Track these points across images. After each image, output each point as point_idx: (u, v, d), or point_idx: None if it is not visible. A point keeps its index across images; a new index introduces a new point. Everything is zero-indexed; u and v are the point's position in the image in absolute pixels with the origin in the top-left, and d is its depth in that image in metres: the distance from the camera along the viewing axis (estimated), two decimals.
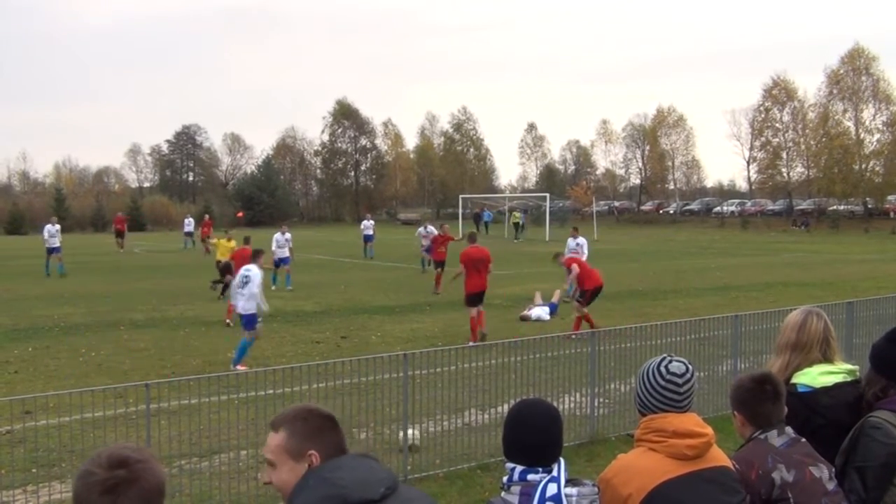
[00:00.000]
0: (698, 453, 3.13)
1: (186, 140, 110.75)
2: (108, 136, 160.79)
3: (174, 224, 65.71)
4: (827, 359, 4.10)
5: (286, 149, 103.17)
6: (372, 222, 40.35)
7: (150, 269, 33.78)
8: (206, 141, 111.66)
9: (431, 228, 29.36)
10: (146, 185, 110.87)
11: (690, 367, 3.25)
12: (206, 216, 47.37)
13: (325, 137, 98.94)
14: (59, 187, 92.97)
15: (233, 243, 23.04)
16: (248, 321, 13.84)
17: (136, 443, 2.43)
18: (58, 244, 30.72)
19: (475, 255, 16.26)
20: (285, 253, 25.97)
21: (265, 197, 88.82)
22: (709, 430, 3.20)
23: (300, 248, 47.15)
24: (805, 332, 4.15)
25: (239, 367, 12.75)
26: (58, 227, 31.20)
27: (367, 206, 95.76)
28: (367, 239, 38.97)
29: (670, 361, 3.25)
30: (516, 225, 57.87)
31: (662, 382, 3.21)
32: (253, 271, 13.99)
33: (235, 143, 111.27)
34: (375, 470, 2.48)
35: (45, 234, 30.95)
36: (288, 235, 26.58)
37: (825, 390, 3.96)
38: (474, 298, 15.97)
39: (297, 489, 2.46)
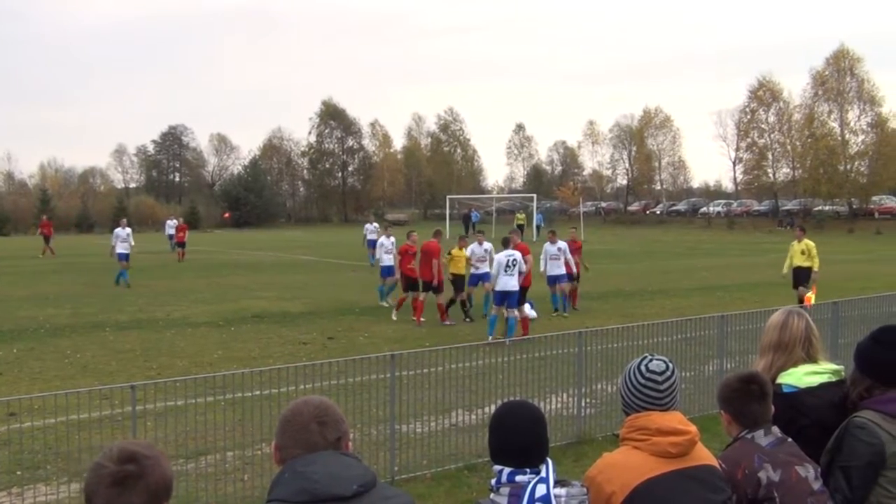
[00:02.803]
0: (682, 451, 3.15)
1: (172, 140, 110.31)
2: (94, 137, 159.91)
3: (160, 225, 65.37)
4: (811, 358, 4.11)
5: (273, 149, 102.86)
6: (375, 225, 35.91)
7: (135, 270, 33.50)
8: (192, 141, 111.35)
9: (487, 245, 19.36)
10: (132, 185, 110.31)
11: (671, 365, 3.28)
12: (180, 219, 44.51)
13: (312, 138, 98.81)
14: (44, 188, 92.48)
15: (465, 252, 19.07)
16: (514, 299, 16.22)
17: None
18: (128, 250, 27.45)
19: (425, 247, 18.81)
20: (390, 260, 21.11)
21: (252, 197, 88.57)
22: (692, 428, 3.21)
23: (286, 248, 47.17)
24: (787, 332, 4.17)
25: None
26: (128, 230, 27.81)
27: (356, 208, 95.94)
28: (371, 244, 33.25)
29: (650, 360, 3.28)
30: (520, 227, 56.48)
31: (643, 381, 3.24)
32: (517, 254, 16.39)
33: (222, 144, 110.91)
34: (351, 467, 2.49)
35: (114, 239, 27.63)
36: (392, 239, 22.18)
37: (810, 390, 3.97)
38: (423, 285, 18.75)
39: (275, 482, 2.50)
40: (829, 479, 3.64)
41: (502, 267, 16.16)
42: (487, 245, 19.26)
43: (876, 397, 3.77)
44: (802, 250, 18.99)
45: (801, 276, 18.83)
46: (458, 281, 19.20)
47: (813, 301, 16.76)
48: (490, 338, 15.14)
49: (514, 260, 16.16)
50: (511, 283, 16.08)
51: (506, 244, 16.94)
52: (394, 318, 18.91)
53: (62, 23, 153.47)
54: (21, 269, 33.66)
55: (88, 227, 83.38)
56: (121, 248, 27.13)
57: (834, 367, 4.10)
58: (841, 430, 3.74)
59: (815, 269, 18.78)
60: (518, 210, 62.34)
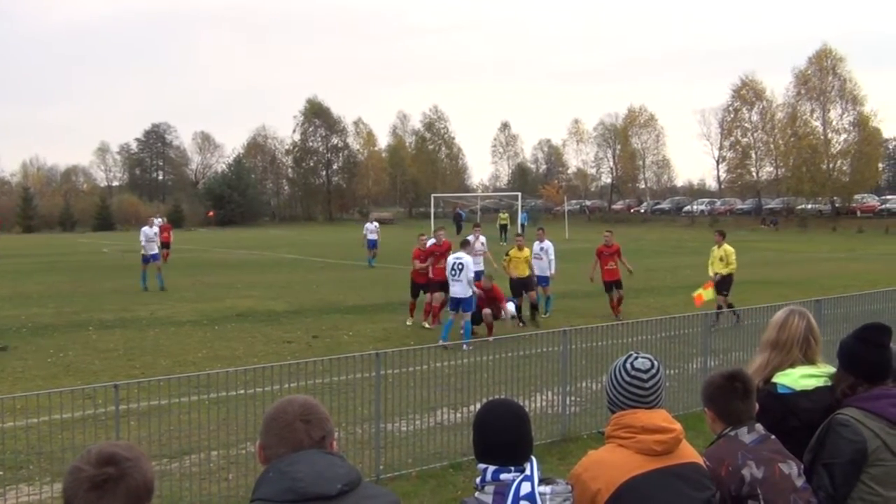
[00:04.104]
0: (667, 449, 3.16)
1: (156, 139, 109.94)
2: (77, 135, 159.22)
3: (143, 223, 65.13)
4: (808, 359, 4.11)
5: (257, 148, 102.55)
6: (376, 224, 34.54)
7: (119, 268, 33.41)
8: (175, 140, 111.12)
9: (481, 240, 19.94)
10: (115, 184, 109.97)
11: (656, 362, 3.29)
12: (164, 218, 42.38)
13: (297, 136, 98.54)
14: (26, 186, 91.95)
15: (527, 252, 18.53)
16: (468, 304, 15.41)
17: None
18: (157, 250, 25.85)
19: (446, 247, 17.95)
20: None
21: (236, 196, 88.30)
22: (677, 426, 3.23)
23: (270, 247, 47.06)
24: (785, 331, 4.15)
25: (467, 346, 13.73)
26: (156, 230, 26.52)
27: (340, 206, 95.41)
28: (371, 245, 33.01)
29: (636, 358, 3.29)
30: (503, 227, 54.44)
31: (628, 378, 3.25)
32: (465, 258, 15.50)
33: (206, 142, 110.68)
34: (335, 466, 2.49)
35: (143, 238, 25.53)
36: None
37: (805, 394, 3.96)
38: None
39: (259, 482, 2.49)
40: (813, 477, 3.65)
41: (448, 270, 15.65)
42: (483, 238, 19.74)
43: (859, 395, 3.79)
44: (721, 256, 18.17)
45: (720, 283, 17.82)
46: (517, 285, 17.90)
47: (704, 300, 16.56)
48: (441, 342, 13.88)
49: (461, 264, 15.41)
50: (456, 288, 15.44)
51: (464, 246, 16.35)
52: (428, 325, 17.36)
53: (45, 20, 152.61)
54: (4, 267, 33.40)
55: (71, 226, 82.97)
56: (148, 249, 25.43)
57: (831, 370, 4.07)
58: (824, 427, 3.75)
59: (725, 272, 17.85)
60: (501, 209, 61.87)
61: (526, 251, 18.22)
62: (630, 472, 3.10)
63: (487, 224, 60.19)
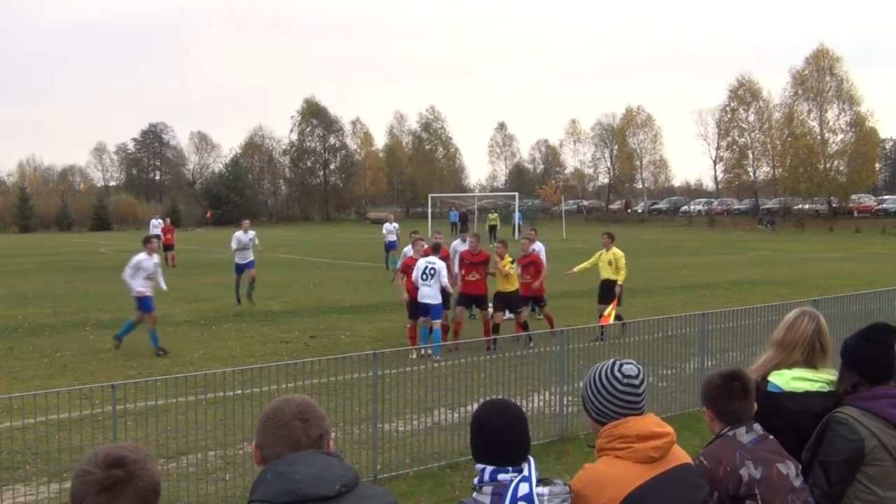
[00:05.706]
0: (663, 454, 3.12)
1: (153, 138, 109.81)
2: (74, 135, 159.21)
3: (140, 223, 65.14)
4: (808, 362, 4.07)
5: (254, 148, 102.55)
6: (395, 225, 32.33)
7: (116, 268, 33.13)
8: (172, 139, 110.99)
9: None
10: (112, 183, 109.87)
11: (640, 368, 3.23)
12: (167, 219, 40.48)
13: (294, 136, 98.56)
14: (22, 186, 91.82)
15: (505, 263, 15.53)
16: (437, 311, 14.75)
17: (102, 445, 2.42)
18: (251, 258, 22.13)
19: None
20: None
21: (233, 196, 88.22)
22: (669, 428, 3.18)
23: (268, 247, 46.98)
24: (792, 332, 4.12)
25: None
26: (252, 233, 22.42)
27: (337, 206, 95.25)
28: (390, 246, 30.98)
29: (622, 365, 3.20)
30: (492, 227, 53.16)
31: (620, 387, 3.15)
32: (438, 263, 14.89)
33: (203, 142, 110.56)
34: (333, 467, 2.48)
35: (234, 244, 22.11)
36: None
37: (792, 395, 3.95)
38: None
39: (257, 483, 2.48)
40: (809, 474, 3.66)
41: (419, 274, 14.71)
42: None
43: (859, 394, 3.80)
44: (609, 260, 16.37)
45: (607, 290, 16.30)
46: (496, 299, 15.78)
47: (612, 319, 14.47)
48: (423, 350, 13.21)
49: (433, 269, 14.65)
50: (427, 293, 14.54)
51: (435, 250, 15.48)
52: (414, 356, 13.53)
53: (41, 19, 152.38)
54: (0, 267, 33.35)
55: (68, 226, 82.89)
56: (241, 258, 22.01)
57: (830, 377, 4.03)
58: (822, 425, 3.75)
59: (620, 281, 16.24)
60: (491, 210, 61.36)
61: (506, 261, 15.51)
62: (632, 484, 3.03)
63: (486, 224, 60.39)
